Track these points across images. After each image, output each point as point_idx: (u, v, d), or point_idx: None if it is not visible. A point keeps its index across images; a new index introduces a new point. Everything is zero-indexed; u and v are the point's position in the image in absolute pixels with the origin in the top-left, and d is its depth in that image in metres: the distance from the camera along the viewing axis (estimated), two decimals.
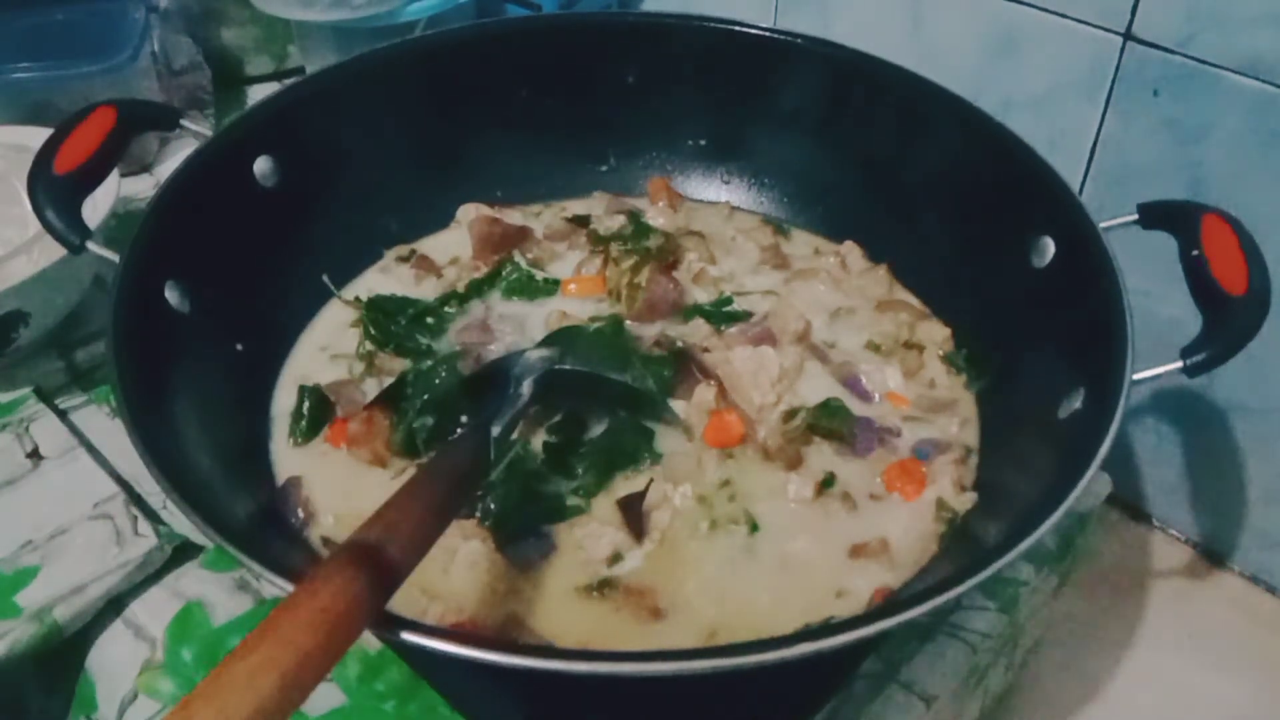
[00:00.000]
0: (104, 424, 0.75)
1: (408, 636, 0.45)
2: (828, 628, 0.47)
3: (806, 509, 0.64)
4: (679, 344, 0.73)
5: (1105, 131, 0.77)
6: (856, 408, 0.70)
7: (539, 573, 0.60)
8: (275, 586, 0.45)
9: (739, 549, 0.62)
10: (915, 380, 0.73)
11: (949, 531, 0.63)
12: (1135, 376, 0.55)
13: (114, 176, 0.78)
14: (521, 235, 0.83)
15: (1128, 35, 0.72)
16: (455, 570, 0.60)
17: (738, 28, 0.82)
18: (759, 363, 0.71)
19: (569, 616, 0.58)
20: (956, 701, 0.65)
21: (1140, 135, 0.75)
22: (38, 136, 0.67)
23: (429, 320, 0.76)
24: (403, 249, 0.83)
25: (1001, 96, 0.80)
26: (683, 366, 0.71)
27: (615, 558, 0.61)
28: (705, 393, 0.69)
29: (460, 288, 0.79)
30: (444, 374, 0.69)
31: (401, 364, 0.72)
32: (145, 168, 1.00)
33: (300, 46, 1.07)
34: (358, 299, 0.78)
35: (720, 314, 0.77)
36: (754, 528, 0.63)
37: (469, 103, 0.84)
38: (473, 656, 0.44)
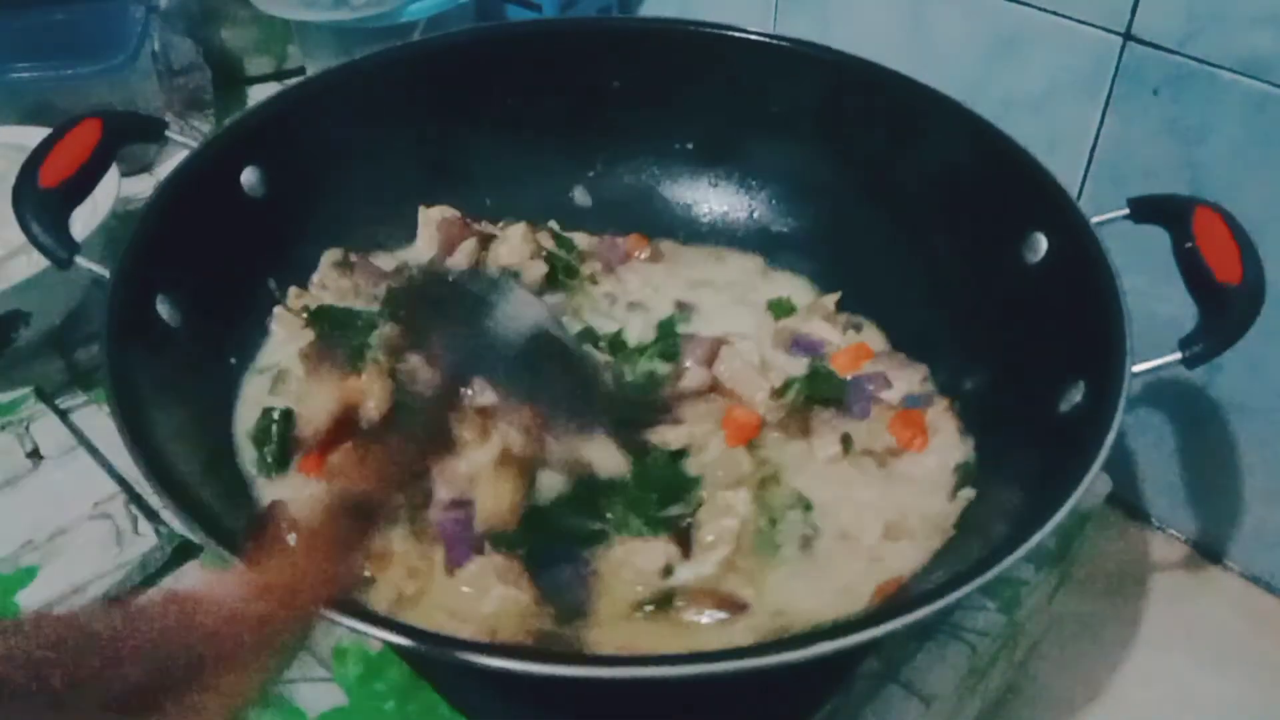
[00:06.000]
0: (104, 424, 0.75)
1: (406, 640, 0.45)
2: (826, 630, 0.47)
3: (842, 470, 0.66)
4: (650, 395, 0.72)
5: (1105, 131, 0.77)
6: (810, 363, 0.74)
7: (582, 602, 0.60)
8: None
9: (800, 533, 0.63)
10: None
11: (962, 480, 0.65)
12: (1135, 369, 0.55)
13: (114, 176, 0.78)
14: (488, 241, 0.81)
15: (1128, 35, 0.72)
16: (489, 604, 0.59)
17: (735, 33, 0.82)
18: (741, 360, 0.72)
19: (623, 636, 0.58)
20: (956, 701, 0.65)
21: (1140, 135, 0.75)
22: (37, 137, 0.67)
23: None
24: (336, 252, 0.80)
25: (1001, 97, 0.80)
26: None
27: (667, 570, 0.61)
28: (700, 407, 0.70)
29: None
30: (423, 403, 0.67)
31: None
32: (145, 168, 1.00)
33: (300, 47, 1.07)
34: (305, 308, 0.75)
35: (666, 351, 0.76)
36: (807, 507, 0.64)
37: (457, 109, 0.83)
38: (469, 660, 0.44)
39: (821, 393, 0.70)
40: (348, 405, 0.67)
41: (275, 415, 0.67)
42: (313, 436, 0.66)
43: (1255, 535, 0.82)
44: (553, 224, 0.85)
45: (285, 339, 0.73)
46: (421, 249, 0.82)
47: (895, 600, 0.59)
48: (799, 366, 0.74)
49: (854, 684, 0.62)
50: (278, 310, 0.75)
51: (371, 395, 0.67)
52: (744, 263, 0.84)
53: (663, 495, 0.64)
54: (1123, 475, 0.85)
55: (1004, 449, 0.66)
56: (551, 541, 0.62)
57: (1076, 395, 0.59)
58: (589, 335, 0.77)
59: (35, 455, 0.74)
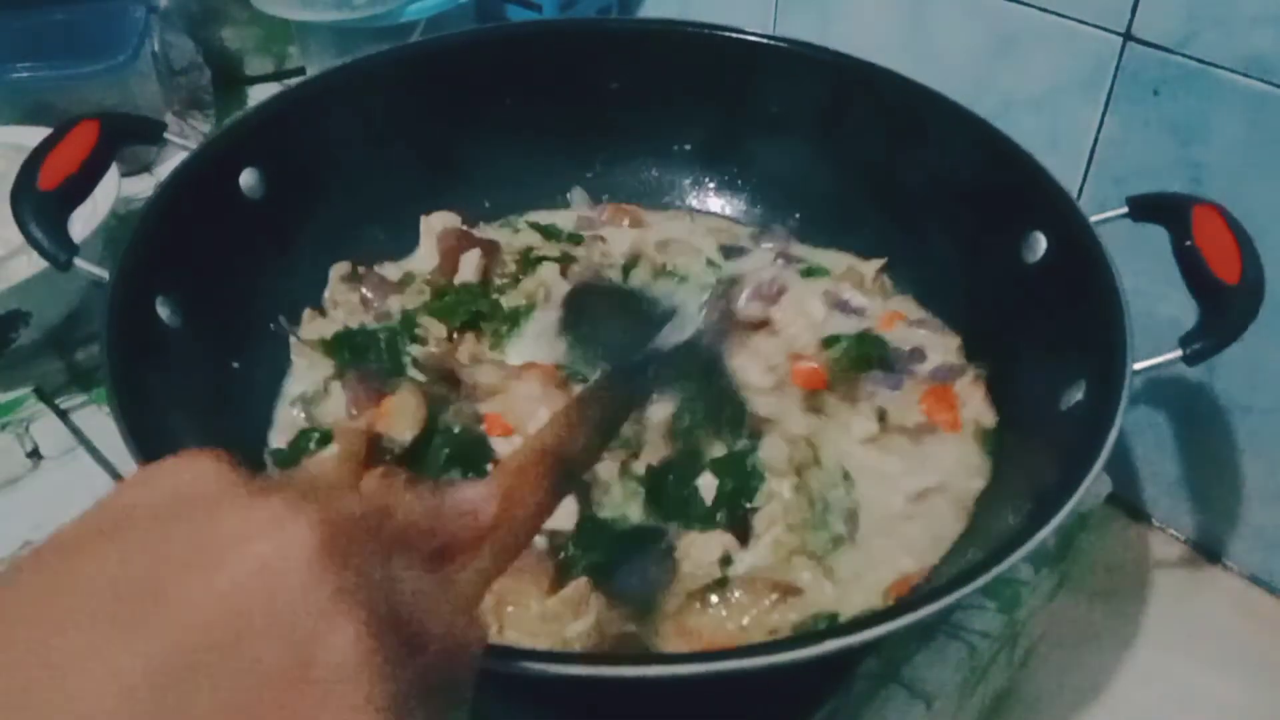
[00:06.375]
0: (104, 424, 0.75)
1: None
2: (827, 630, 0.48)
3: (877, 448, 0.66)
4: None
5: (1105, 131, 0.77)
6: (856, 323, 0.74)
7: (651, 601, 0.60)
8: None
9: (844, 511, 0.64)
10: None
11: (987, 446, 0.66)
12: (1136, 366, 0.55)
13: (114, 177, 0.79)
14: (491, 249, 0.80)
15: (1128, 35, 0.72)
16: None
17: (735, 33, 0.82)
18: (802, 307, 0.74)
19: (682, 626, 0.59)
20: (956, 701, 0.65)
21: (1140, 135, 0.75)
22: (37, 136, 0.67)
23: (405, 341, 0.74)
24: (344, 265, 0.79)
25: (1001, 97, 0.80)
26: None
27: (725, 560, 0.61)
28: (754, 355, 0.71)
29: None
30: (461, 424, 0.67)
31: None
32: (145, 168, 1.00)
33: (300, 46, 1.07)
34: (321, 340, 0.73)
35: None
36: (850, 483, 0.65)
37: (457, 111, 0.83)
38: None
39: (869, 353, 0.70)
40: (375, 431, 0.66)
41: (314, 438, 0.67)
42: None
43: (1255, 535, 0.82)
44: (531, 216, 0.85)
45: (308, 367, 0.73)
46: (424, 257, 0.81)
47: (895, 600, 0.59)
48: (847, 326, 0.75)
49: (854, 684, 0.62)
50: (294, 341, 0.74)
51: (404, 416, 0.66)
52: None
53: (738, 484, 0.65)
54: (1123, 475, 0.85)
55: (1004, 448, 0.66)
56: (622, 550, 0.62)
57: (1077, 394, 0.59)
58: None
59: (35, 455, 0.74)
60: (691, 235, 0.84)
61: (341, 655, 0.24)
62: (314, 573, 0.24)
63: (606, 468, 0.64)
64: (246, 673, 0.23)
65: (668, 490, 0.64)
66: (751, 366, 0.70)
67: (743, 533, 0.62)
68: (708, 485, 0.64)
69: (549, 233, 0.83)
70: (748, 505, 0.64)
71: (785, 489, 0.64)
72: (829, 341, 0.72)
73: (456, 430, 0.66)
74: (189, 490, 0.26)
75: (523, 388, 0.68)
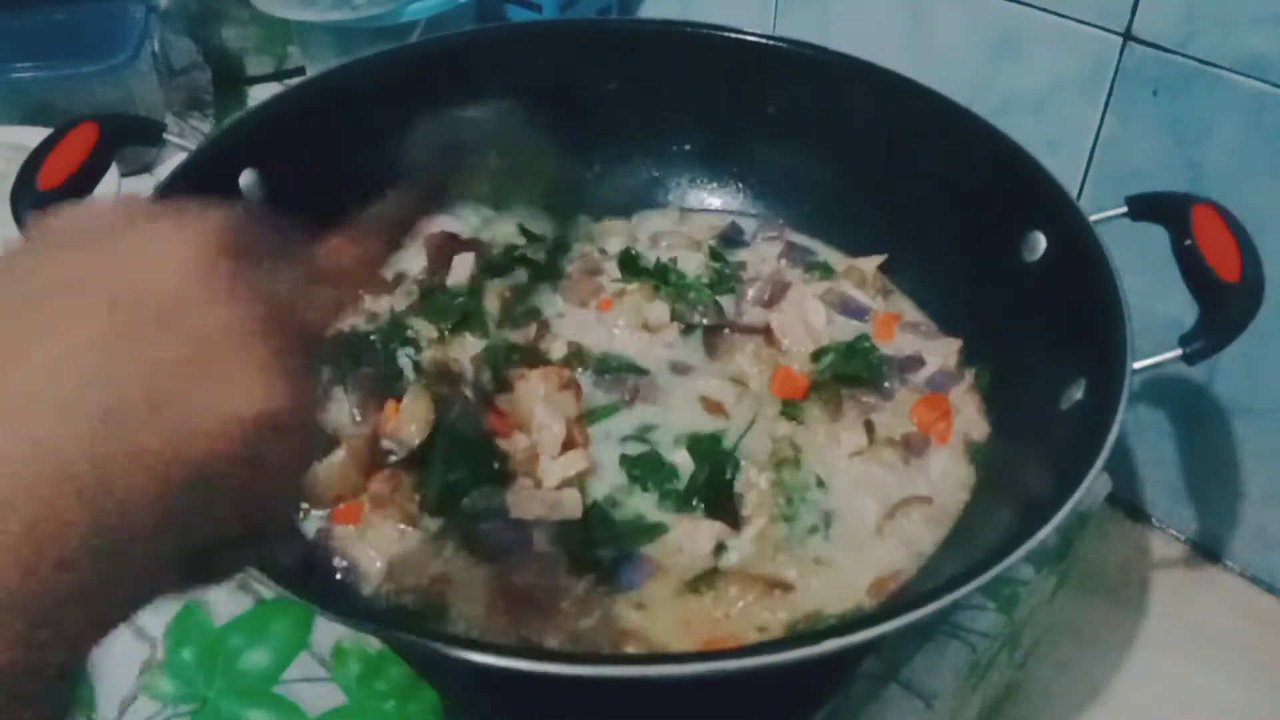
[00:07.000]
0: None
1: (408, 638, 0.45)
2: (825, 631, 0.47)
3: (865, 461, 0.66)
4: (702, 321, 0.74)
5: (1105, 132, 0.77)
6: (857, 327, 0.74)
7: (645, 591, 0.60)
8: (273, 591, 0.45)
9: (821, 513, 0.64)
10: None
11: (977, 457, 0.66)
12: (1136, 365, 0.55)
13: (114, 177, 0.79)
14: (474, 248, 0.80)
15: (1128, 35, 0.72)
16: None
17: (735, 34, 0.82)
18: (803, 312, 0.74)
19: (679, 615, 0.59)
20: (956, 701, 0.65)
21: (1140, 135, 0.75)
22: (37, 136, 0.67)
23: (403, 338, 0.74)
24: None
25: (1001, 97, 0.80)
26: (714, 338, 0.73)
27: (720, 549, 0.62)
28: (744, 357, 0.72)
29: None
30: (466, 422, 0.67)
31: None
32: (145, 168, 1.00)
33: (300, 46, 1.07)
34: None
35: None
36: (824, 488, 0.65)
37: (457, 110, 0.83)
38: (467, 659, 0.44)
39: (853, 371, 0.70)
40: (378, 434, 0.66)
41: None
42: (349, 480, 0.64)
43: (1255, 535, 0.82)
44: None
45: None
46: (414, 258, 0.81)
47: (895, 600, 0.59)
48: (849, 330, 0.75)
49: (854, 684, 0.62)
50: None
51: (414, 419, 0.66)
52: None
53: (711, 477, 0.65)
54: (1123, 475, 0.85)
55: (1005, 448, 0.66)
56: (614, 541, 0.62)
57: (1077, 393, 0.59)
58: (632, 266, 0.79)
59: None
60: (684, 229, 0.84)
61: (229, 324, 0.31)
62: (194, 271, 0.31)
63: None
64: (162, 342, 0.30)
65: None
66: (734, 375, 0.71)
67: (733, 520, 0.63)
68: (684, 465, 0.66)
69: (533, 235, 0.83)
70: (733, 489, 0.64)
71: (763, 481, 0.65)
72: (817, 355, 0.72)
73: (462, 431, 0.66)
74: (101, 219, 0.34)
75: (527, 388, 0.68)
